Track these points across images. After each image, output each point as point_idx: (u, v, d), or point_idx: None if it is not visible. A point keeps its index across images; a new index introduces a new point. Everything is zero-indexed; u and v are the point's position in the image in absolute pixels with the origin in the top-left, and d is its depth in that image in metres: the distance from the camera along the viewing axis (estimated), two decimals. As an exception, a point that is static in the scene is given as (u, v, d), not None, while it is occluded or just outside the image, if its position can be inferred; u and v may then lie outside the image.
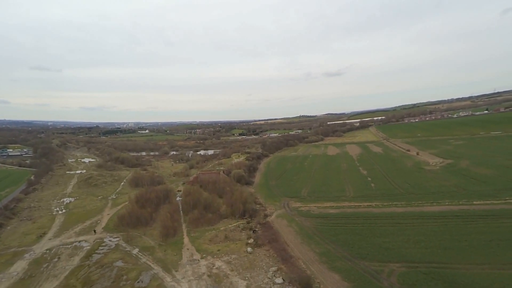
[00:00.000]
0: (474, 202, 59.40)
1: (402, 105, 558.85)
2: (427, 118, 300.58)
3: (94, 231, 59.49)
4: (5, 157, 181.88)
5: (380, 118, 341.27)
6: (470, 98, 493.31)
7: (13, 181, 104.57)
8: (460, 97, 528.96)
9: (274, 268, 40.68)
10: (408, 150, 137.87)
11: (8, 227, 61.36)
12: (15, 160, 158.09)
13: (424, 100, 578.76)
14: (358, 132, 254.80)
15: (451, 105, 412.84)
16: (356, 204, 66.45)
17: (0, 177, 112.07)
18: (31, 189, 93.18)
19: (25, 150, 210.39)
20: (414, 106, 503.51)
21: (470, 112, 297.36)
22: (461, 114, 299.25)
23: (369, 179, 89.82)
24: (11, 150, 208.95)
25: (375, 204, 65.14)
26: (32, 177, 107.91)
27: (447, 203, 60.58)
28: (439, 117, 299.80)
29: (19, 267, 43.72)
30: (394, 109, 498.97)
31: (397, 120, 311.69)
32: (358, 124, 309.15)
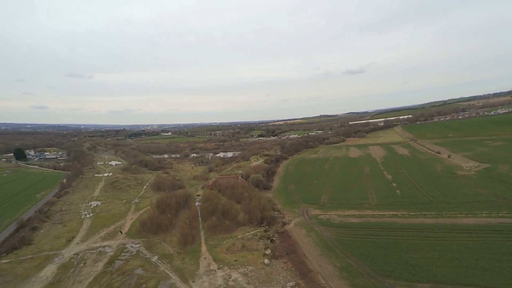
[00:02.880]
0: (517, 215, 53.43)
1: (431, 102, 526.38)
2: (460, 117, 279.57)
3: (121, 232, 63.11)
4: (42, 160, 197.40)
5: (406, 117, 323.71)
6: (510, 93, 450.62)
7: (48, 184, 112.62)
8: (498, 91, 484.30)
9: (291, 284, 39.29)
10: (438, 153, 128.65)
11: (42, 230, 65.79)
12: (50, 163, 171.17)
13: (457, 96, 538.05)
14: (382, 133, 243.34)
15: (488, 101, 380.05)
16: (380, 213, 62.85)
17: (37, 180, 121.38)
18: (63, 192, 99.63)
19: (60, 153, 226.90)
20: (444, 103, 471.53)
21: (510, 109, 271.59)
22: (499, 111, 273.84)
23: (394, 184, 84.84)
24: (48, 153, 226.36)
25: (401, 214, 61.10)
26: (64, 180, 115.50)
27: (484, 215, 55.08)
28: (473, 115, 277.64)
29: (49, 271, 46.42)
30: (422, 107, 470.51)
31: (425, 119, 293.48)
32: (382, 123, 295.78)
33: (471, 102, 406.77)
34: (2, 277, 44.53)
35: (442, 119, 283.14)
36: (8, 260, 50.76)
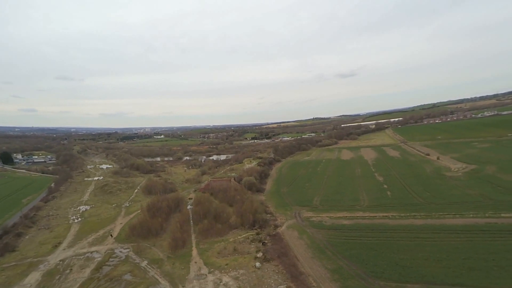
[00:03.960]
0: (503, 215, 54.61)
1: (421, 105, 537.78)
2: (448, 119, 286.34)
3: (111, 235, 62.03)
4: (30, 163, 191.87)
5: (397, 119, 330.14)
6: (495, 96, 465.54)
7: (35, 189, 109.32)
8: (484, 95, 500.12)
9: (282, 287, 39.03)
10: (428, 154, 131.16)
11: (27, 236, 63.71)
12: (39, 167, 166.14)
13: (445, 99, 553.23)
14: (373, 135, 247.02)
15: (475, 104, 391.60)
16: (371, 215, 63.38)
17: (23, 184, 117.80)
18: (51, 196, 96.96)
19: (49, 156, 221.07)
20: (434, 106, 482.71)
21: (496, 112, 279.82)
22: (486, 114, 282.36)
23: (385, 186, 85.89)
24: (36, 156, 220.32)
25: (391, 215, 61.76)
26: (52, 185, 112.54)
27: (471, 215, 56.21)
28: (461, 117, 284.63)
29: (33, 278, 44.84)
30: (412, 110, 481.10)
31: (415, 121, 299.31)
32: (373, 126, 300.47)
33: (459, 105, 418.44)
34: (-18, 285, 42.87)
35: (431, 121, 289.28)
36: (-10, 268, 48.92)
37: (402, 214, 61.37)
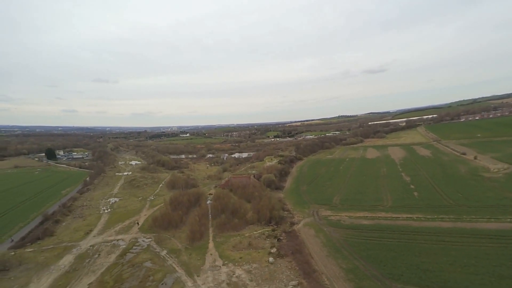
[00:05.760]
0: (547, 220, 48.90)
1: (459, 101, 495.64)
2: (491, 116, 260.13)
3: (137, 223, 66.64)
4: (70, 159, 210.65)
5: (430, 116, 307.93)
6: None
7: (73, 181, 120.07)
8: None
9: (294, 283, 38.83)
10: (464, 154, 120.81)
11: (64, 223, 70.32)
12: (77, 162, 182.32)
13: (488, 94, 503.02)
14: (403, 133, 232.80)
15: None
16: (394, 216, 60.29)
17: (63, 177, 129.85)
18: (86, 189, 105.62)
19: (86, 153, 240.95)
20: (474, 101, 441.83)
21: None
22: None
23: (412, 186, 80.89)
24: (75, 153, 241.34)
25: (416, 217, 58.17)
26: (87, 178, 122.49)
27: (508, 220, 51.02)
28: (506, 113, 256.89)
29: (67, 260, 49.57)
30: (449, 106, 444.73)
31: (451, 118, 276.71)
32: (404, 123, 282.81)
33: (504, 100, 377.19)
34: (25, 264, 48.27)
35: (470, 118, 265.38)
36: (31, 249, 54.93)
37: (428, 216, 57.56)
